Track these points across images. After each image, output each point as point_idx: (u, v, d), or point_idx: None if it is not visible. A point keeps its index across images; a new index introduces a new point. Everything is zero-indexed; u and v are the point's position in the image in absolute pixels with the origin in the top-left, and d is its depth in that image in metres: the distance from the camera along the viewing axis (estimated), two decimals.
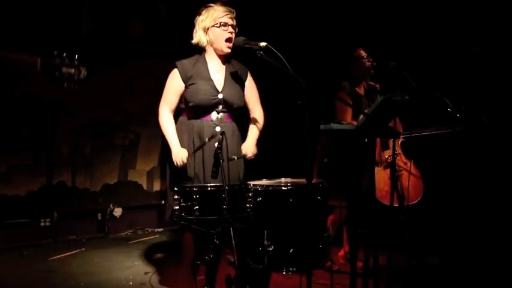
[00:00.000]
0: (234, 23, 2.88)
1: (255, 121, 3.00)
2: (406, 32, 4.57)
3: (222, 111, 2.82)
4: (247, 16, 3.21)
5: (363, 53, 3.81)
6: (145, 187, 5.53)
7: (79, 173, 4.98)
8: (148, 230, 5.32)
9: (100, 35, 4.94)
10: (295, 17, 5.30)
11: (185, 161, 2.71)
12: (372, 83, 3.90)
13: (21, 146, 4.57)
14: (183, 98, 2.89)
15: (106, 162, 5.19)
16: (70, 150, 4.91)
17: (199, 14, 2.89)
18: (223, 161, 2.36)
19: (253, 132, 2.98)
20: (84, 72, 2.08)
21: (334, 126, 2.43)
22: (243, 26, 2.92)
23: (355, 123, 3.26)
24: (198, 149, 2.71)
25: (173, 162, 2.75)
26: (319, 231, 2.56)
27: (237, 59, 2.98)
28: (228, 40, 2.82)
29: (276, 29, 4.74)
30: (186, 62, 2.88)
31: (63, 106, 4.78)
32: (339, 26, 5.07)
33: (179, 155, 2.72)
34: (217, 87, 2.83)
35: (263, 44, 2.57)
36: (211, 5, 2.89)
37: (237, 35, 2.83)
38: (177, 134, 2.83)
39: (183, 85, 2.84)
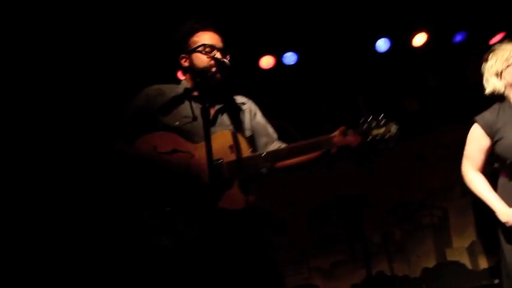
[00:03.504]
0: None
1: None
2: None
3: None
4: None
5: None
6: (469, 266, 4.98)
7: (395, 259, 4.94)
8: None
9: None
10: None
11: None
12: None
13: (338, 242, 4.94)
14: (489, 156, 2.54)
15: (419, 244, 5.00)
16: (381, 238, 4.98)
17: (486, 60, 2.62)
18: None
19: None
20: (394, 127, 2.00)
21: None
22: None
23: None
24: None
25: (504, 226, 2.37)
26: None
27: None
28: None
29: None
30: (487, 114, 2.56)
31: (364, 198, 5.01)
32: None
33: (510, 213, 2.34)
34: None
35: None
36: (496, 47, 2.62)
37: None
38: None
39: (489, 141, 2.51)
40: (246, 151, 2.03)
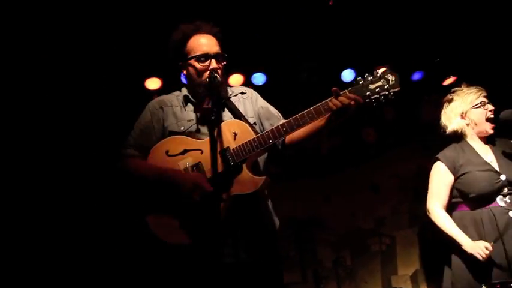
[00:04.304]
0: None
1: None
2: None
3: (508, 194, 2.57)
4: None
5: None
6: None
7: (344, 284, 5.05)
8: None
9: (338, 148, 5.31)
10: None
11: (490, 249, 2.45)
12: None
13: (290, 264, 4.97)
14: (453, 191, 2.73)
15: (368, 271, 5.15)
16: (332, 263, 5.08)
17: (449, 102, 2.85)
18: None
19: None
20: (392, 77, 1.88)
21: None
22: None
23: None
24: (497, 239, 2.48)
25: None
26: None
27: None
28: (490, 120, 2.70)
29: None
30: (448, 152, 2.77)
31: (318, 222, 5.11)
32: None
33: (477, 246, 2.48)
34: (495, 168, 2.63)
35: None
36: (457, 88, 2.85)
37: None
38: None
39: (452, 177, 2.71)
40: (250, 134, 2.02)
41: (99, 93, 4.25)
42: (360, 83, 1.92)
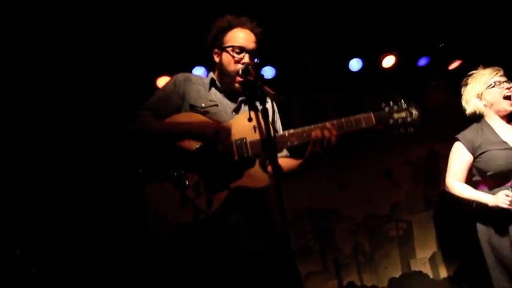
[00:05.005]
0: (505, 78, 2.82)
1: None
2: None
3: None
4: None
5: None
6: (431, 275, 5.25)
7: (364, 270, 5.13)
8: None
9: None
10: None
11: (510, 195, 2.54)
12: None
13: (311, 253, 5.06)
14: (472, 170, 2.83)
15: (387, 256, 5.23)
16: (352, 249, 5.16)
17: (466, 85, 2.94)
18: None
19: None
20: (415, 111, 1.98)
21: None
22: None
23: None
24: None
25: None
26: None
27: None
28: (508, 97, 2.75)
29: None
30: (468, 133, 2.85)
31: (335, 211, 5.19)
32: None
33: (499, 197, 2.58)
34: None
35: None
36: (473, 73, 2.93)
37: None
38: None
39: (471, 156, 2.79)
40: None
41: (110, 91, 4.26)
42: (386, 109, 1.99)
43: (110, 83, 4.23)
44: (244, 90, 2.10)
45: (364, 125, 1.99)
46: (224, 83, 2.22)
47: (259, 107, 2.04)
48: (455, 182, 2.82)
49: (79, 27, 3.71)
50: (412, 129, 1.97)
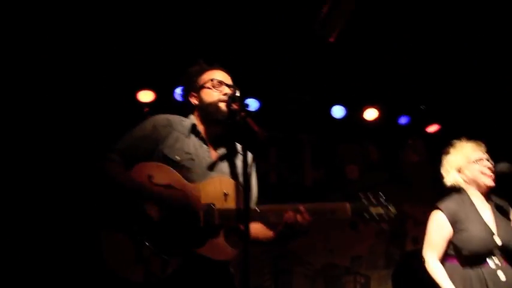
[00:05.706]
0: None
1: None
2: None
3: (500, 256, 2.57)
4: None
5: None
6: None
7: None
8: None
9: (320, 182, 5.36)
10: None
11: None
12: None
13: None
14: (450, 244, 2.69)
15: None
16: None
17: (447, 153, 2.83)
18: None
19: None
20: (392, 209, 1.98)
21: None
22: None
23: None
24: None
25: None
26: None
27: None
28: (487, 174, 2.68)
29: None
30: (450, 204, 2.72)
31: (296, 255, 5.08)
32: None
33: None
34: (492, 230, 2.62)
35: None
36: (457, 141, 2.83)
37: None
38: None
39: (451, 230, 2.66)
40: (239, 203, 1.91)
41: (90, 104, 4.19)
42: (364, 201, 2.00)
43: (90, 95, 4.16)
44: (228, 118, 1.99)
45: (338, 216, 2.00)
46: (207, 120, 2.11)
47: (239, 169, 2.02)
48: (435, 260, 2.67)
49: (62, 39, 3.69)
50: (386, 226, 2.03)
